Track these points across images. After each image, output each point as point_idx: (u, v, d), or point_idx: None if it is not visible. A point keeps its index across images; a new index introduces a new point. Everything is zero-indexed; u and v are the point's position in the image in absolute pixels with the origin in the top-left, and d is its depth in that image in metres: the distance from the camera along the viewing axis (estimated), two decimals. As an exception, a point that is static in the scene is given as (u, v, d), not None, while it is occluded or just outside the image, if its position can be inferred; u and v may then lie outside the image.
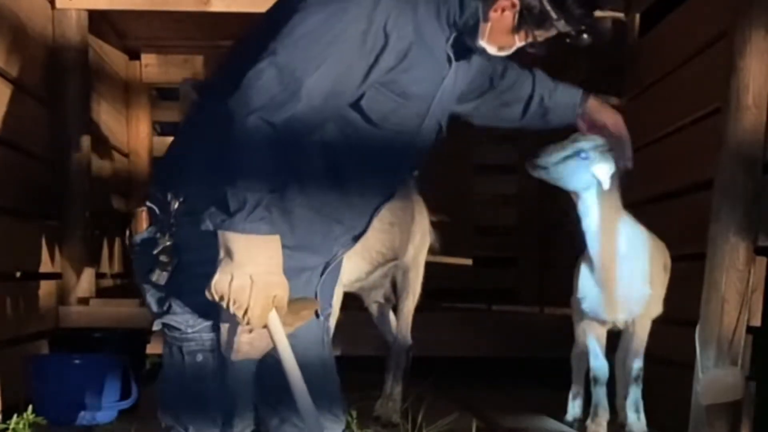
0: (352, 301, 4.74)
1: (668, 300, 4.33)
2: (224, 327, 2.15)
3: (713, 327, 3.71)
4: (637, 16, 5.34)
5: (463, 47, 2.33)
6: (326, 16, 2.09)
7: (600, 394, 4.04)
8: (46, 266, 5.14)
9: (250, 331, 2.12)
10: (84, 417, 4.40)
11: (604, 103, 2.93)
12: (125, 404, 4.48)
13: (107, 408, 4.44)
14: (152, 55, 7.23)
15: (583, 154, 3.64)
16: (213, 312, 2.16)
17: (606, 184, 3.65)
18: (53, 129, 5.29)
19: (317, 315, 2.40)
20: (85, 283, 5.49)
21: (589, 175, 3.66)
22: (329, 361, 2.47)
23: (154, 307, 2.29)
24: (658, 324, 4.35)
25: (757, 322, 3.73)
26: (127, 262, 7.24)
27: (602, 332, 4.04)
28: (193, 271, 2.17)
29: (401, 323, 4.57)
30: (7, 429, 3.91)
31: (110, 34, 6.73)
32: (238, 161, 2.05)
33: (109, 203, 6.73)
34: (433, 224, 4.82)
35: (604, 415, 4.04)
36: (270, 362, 2.22)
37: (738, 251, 3.68)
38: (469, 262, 7.34)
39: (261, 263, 2.06)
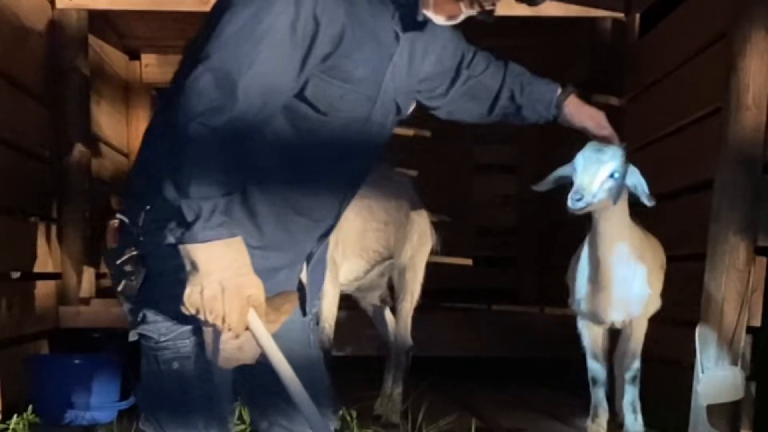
0: (352, 301, 4.75)
1: (668, 300, 4.33)
2: (208, 336, 2.13)
3: (713, 327, 3.71)
4: (637, 16, 5.34)
5: (413, 20, 2.29)
6: (253, 11, 2.07)
7: (599, 394, 4.04)
8: (46, 266, 5.14)
9: (237, 336, 2.09)
10: (84, 417, 4.40)
11: (586, 100, 2.89)
12: (125, 404, 4.48)
13: (107, 408, 4.44)
14: (152, 55, 7.23)
15: (616, 175, 3.49)
16: (186, 319, 2.14)
17: (645, 188, 3.50)
18: (53, 129, 5.29)
19: (303, 312, 2.38)
20: (85, 283, 5.49)
21: (624, 190, 3.55)
22: (317, 361, 2.45)
23: (129, 317, 2.27)
24: (658, 324, 4.35)
25: (757, 322, 3.74)
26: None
27: (599, 333, 4.04)
28: (164, 280, 2.15)
29: (400, 324, 4.57)
30: (7, 429, 3.91)
31: (110, 34, 6.73)
32: (186, 171, 2.03)
33: (109, 203, 6.72)
34: (433, 224, 4.81)
35: (603, 416, 4.04)
36: (255, 365, 2.20)
37: (738, 251, 3.68)
38: (469, 262, 7.34)
39: (227, 267, 2.04)
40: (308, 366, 2.35)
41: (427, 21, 2.30)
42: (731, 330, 3.68)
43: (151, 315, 2.21)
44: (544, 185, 3.77)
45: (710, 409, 3.69)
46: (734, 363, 3.68)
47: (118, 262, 2.18)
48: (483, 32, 7.07)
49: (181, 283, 2.06)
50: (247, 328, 2.09)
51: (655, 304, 4.10)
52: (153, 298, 2.18)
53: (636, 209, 4.63)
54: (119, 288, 2.20)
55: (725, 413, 3.70)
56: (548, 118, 2.90)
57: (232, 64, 2.05)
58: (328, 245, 2.50)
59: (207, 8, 6.00)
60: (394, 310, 4.66)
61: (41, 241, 5.08)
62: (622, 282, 3.82)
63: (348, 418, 4.08)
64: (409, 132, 7.52)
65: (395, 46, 2.29)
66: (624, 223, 3.74)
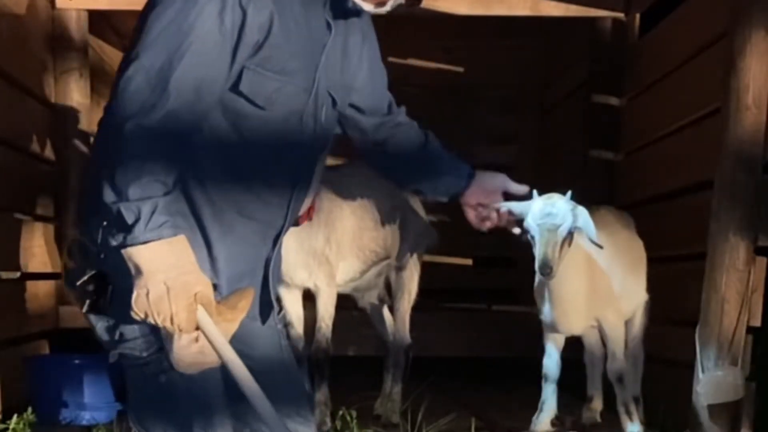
0: (351, 301, 4.74)
1: (668, 300, 4.33)
2: (167, 342, 2.09)
3: (713, 327, 3.71)
4: (637, 16, 5.34)
5: (344, 8, 2.30)
6: (179, 6, 2.06)
7: (548, 392, 4.07)
8: (45, 266, 5.13)
9: (197, 339, 2.05)
10: (83, 417, 4.40)
11: (489, 175, 2.85)
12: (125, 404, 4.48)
13: (107, 408, 4.44)
14: (152, 55, 7.23)
15: (570, 229, 3.61)
16: (159, 331, 2.10)
17: (593, 231, 3.62)
18: (53, 129, 5.29)
19: (263, 318, 2.35)
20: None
21: (583, 239, 3.69)
22: (291, 364, 2.42)
23: (106, 337, 2.24)
24: (658, 324, 4.36)
25: (757, 322, 3.74)
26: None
27: (561, 337, 4.09)
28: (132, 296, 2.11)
29: (398, 323, 4.56)
30: (7, 429, 3.91)
31: (110, 34, 6.73)
32: (123, 173, 2.00)
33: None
34: (432, 224, 4.81)
35: (548, 413, 4.07)
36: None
37: (738, 251, 3.68)
38: (469, 262, 7.35)
39: (171, 266, 2.01)
40: (283, 370, 2.33)
41: (358, 12, 2.32)
42: (731, 330, 3.68)
43: (129, 332, 2.19)
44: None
45: (710, 409, 3.69)
46: (734, 363, 3.68)
47: (79, 283, 2.14)
48: (483, 32, 7.05)
49: None
50: (198, 328, 2.05)
51: (632, 303, 4.15)
52: (128, 315, 2.12)
53: (637, 209, 4.64)
54: (84, 309, 2.16)
55: (725, 413, 3.70)
56: (453, 197, 2.82)
57: (162, 60, 2.03)
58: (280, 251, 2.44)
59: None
60: (392, 310, 4.65)
61: (41, 241, 5.08)
62: (579, 296, 3.88)
63: (348, 418, 4.08)
64: (409, 132, 7.53)
65: (327, 35, 2.28)
66: (573, 249, 3.79)
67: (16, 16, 4.76)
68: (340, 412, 4.14)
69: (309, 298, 4.26)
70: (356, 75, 2.48)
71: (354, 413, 4.09)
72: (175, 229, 2.03)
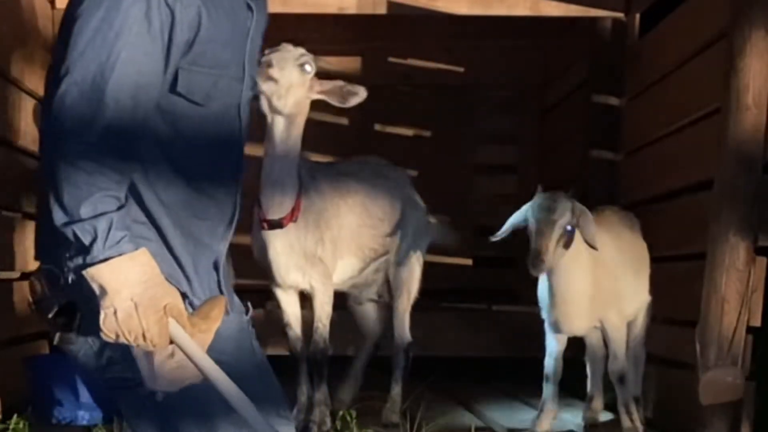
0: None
1: (668, 300, 4.33)
2: (142, 363, 2.02)
3: (713, 327, 3.71)
4: (637, 16, 5.34)
5: None
6: (103, 13, 1.99)
7: (548, 391, 4.09)
8: (46, 266, 5.13)
9: (172, 354, 1.99)
10: (84, 417, 4.40)
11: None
12: (125, 404, 4.48)
13: (106, 408, 4.44)
14: (152, 55, 7.23)
15: (569, 227, 3.73)
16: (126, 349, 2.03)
17: (595, 242, 3.74)
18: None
19: (227, 312, 2.26)
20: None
21: (579, 238, 3.77)
22: (264, 365, 2.34)
23: (92, 362, 2.15)
24: (658, 324, 4.36)
25: (757, 322, 3.74)
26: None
27: (562, 337, 4.11)
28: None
29: (397, 322, 4.54)
30: (7, 429, 3.91)
31: (110, 34, 6.73)
32: (71, 192, 1.93)
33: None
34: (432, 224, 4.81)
35: (549, 413, 4.09)
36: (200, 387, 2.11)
37: (738, 251, 3.68)
38: (469, 262, 7.33)
39: (137, 282, 1.94)
40: (257, 373, 2.27)
41: None
42: (731, 330, 3.68)
43: (117, 355, 2.10)
44: (500, 235, 4.02)
45: (710, 409, 3.69)
46: (734, 363, 3.68)
47: (50, 315, 2.07)
48: (483, 32, 7.07)
49: None
50: (172, 342, 1.99)
51: (634, 304, 4.16)
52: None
53: (637, 209, 4.64)
54: (56, 341, 2.09)
55: (725, 413, 3.70)
56: None
57: (94, 71, 1.97)
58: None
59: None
60: (390, 307, 4.65)
61: (41, 241, 5.08)
62: (582, 297, 3.91)
63: (348, 418, 4.08)
64: (409, 132, 7.55)
65: (250, 18, 2.24)
66: (576, 251, 3.85)
67: (16, 16, 4.76)
68: (340, 412, 4.14)
69: (307, 297, 4.26)
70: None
71: (354, 413, 4.09)
72: (135, 242, 1.97)
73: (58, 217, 1.95)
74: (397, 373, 4.51)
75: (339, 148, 6.28)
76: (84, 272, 1.94)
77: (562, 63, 6.61)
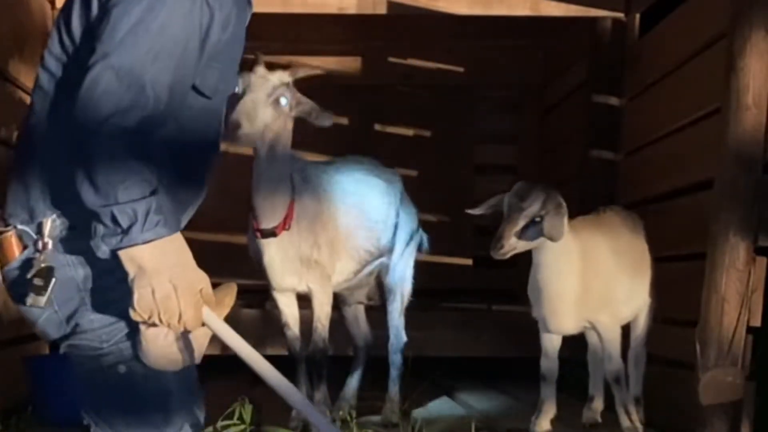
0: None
1: (668, 300, 4.33)
2: (148, 341, 2.04)
3: (713, 327, 3.71)
4: (637, 16, 5.34)
5: None
6: (146, 5, 2.00)
7: (545, 391, 4.09)
8: (45, 266, 5.13)
9: (179, 337, 2.03)
10: (84, 417, 4.39)
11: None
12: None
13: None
14: (152, 55, 7.23)
15: (537, 219, 3.76)
16: (126, 322, 2.07)
17: (560, 237, 3.76)
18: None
19: None
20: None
21: (541, 229, 3.79)
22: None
23: (54, 331, 2.18)
24: (658, 324, 4.36)
25: (757, 322, 3.73)
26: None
27: (556, 337, 4.11)
28: (95, 286, 2.10)
29: (393, 323, 4.55)
30: (7, 429, 3.91)
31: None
32: (109, 175, 1.95)
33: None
34: (432, 224, 4.81)
35: (548, 412, 4.09)
36: (112, 374, 2.14)
37: (738, 251, 3.68)
38: (469, 262, 7.33)
39: (175, 264, 1.99)
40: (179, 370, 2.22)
41: None
42: (731, 330, 3.68)
43: (86, 323, 2.13)
44: (477, 211, 4.08)
45: (710, 409, 3.69)
46: (734, 363, 3.68)
47: (30, 275, 2.09)
48: (483, 32, 7.06)
49: (112, 289, 2.02)
50: (203, 325, 2.04)
51: (632, 306, 4.19)
52: (83, 306, 2.11)
53: (637, 209, 4.63)
54: (28, 302, 2.11)
55: (725, 413, 3.70)
56: None
57: (134, 60, 1.98)
58: None
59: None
60: (380, 310, 4.64)
61: (41, 241, 5.08)
62: (569, 295, 3.93)
63: (348, 418, 4.08)
64: (409, 132, 7.55)
65: (249, 9, 2.27)
66: (565, 249, 3.86)
67: (16, 16, 4.76)
68: (340, 412, 4.14)
69: (305, 298, 4.25)
70: None
71: (354, 413, 4.09)
72: (171, 227, 2.00)
73: (91, 198, 1.97)
74: (394, 374, 4.51)
75: (339, 148, 6.28)
76: (121, 252, 1.96)
77: (562, 63, 6.61)
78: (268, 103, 3.93)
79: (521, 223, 3.73)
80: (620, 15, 5.36)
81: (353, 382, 4.63)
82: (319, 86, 7.16)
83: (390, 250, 4.48)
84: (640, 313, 4.28)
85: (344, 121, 7.24)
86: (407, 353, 4.55)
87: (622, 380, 4.09)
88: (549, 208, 3.73)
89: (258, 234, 4.04)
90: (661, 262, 4.40)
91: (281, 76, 3.98)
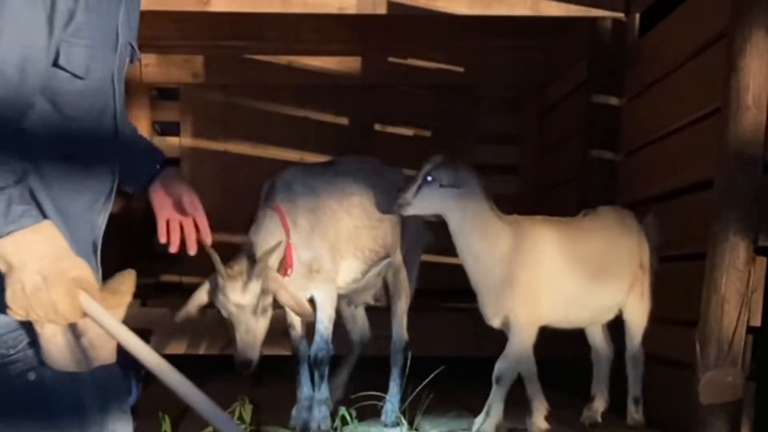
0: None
1: (668, 300, 4.33)
2: (51, 344, 1.94)
3: (713, 327, 3.71)
4: (637, 16, 5.34)
5: None
6: None
7: (497, 395, 4.08)
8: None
9: (83, 333, 1.94)
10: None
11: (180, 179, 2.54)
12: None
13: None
14: (152, 55, 7.22)
15: (429, 177, 3.92)
16: (28, 325, 1.96)
17: (462, 185, 3.92)
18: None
19: None
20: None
21: (442, 196, 3.96)
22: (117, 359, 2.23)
23: None
24: (658, 324, 4.36)
25: (757, 322, 3.74)
26: (126, 261, 7.23)
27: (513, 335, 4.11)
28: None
29: (396, 323, 4.56)
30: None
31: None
32: None
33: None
34: (432, 224, 4.80)
35: (494, 418, 4.08)
36: (56, 380, 2.04)
37: (738, 251, 3.68)
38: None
39: (43, 255, 1.89)
40: (105, 367, 2.16)
41: None
42: (731, 330, 3.68)
43: None
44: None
45: (710, 409, 3.69)
46: (734, 363, 3.68)
47: None
48: (483, 32, 7.05)
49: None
50: (86, 316, 1.92)
51: (592, 307, 4.19)
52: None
53: (637, 209, 4.63)
54: None
55: (725, 413, 3.70)
56: (141, 184, 2.52)
57: None
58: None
59: (207, 8, 5.97)
60: (389, 310, 4.64)
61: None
62: (489, 284, 4.01)
63: (348, 418, 4.08)
64: (409, 132, 7.54)
65: None
66: (490, 236, 3.96)
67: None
68: (341, 412, 4.14)
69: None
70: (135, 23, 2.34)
71: (354, 413, 4.09)
72: (36, 216, 1.92)
73: None
74: (395, 373, 4.52)
75: (339, 148, 6.28)
76: None
77: (562, 63, 6.61)
78: (260, 317, 3.90)
79: (419, 181, 3.95)
80: (620, 15, 5.36)
81: (342, 377, 4.65)
82: (319, 86, 7.22)
83: (396, 249, 4.48)
84: (630, 313, 4.27)
85: (344, 121, 7.24)
86: (407, 353, 4.55)
87: (502, 381, 4.06)
88: (454, 175, 3.91)
89: None
90: (661, 262, 4.40)
91: (254, 289, 3.86)
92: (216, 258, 3.77)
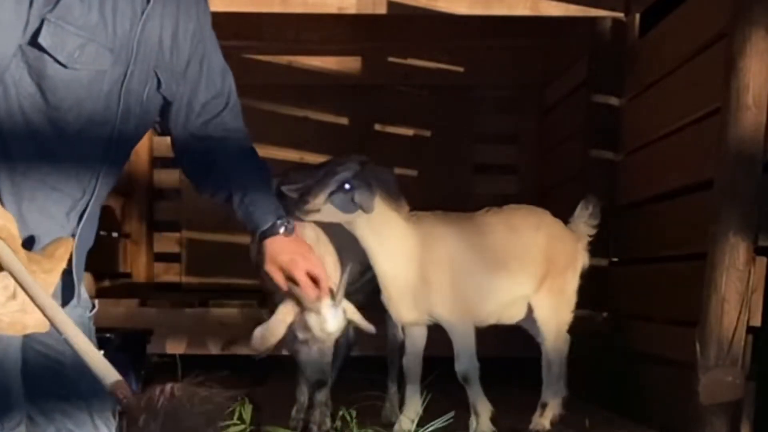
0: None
1: (668, 300, 4.33)
2: None
3: (713, 327, 3.71)
4: (637, 16, 5.34)
5: None
6: None
7: (410, 391, 4.11)
8: (46, 266, 5.12)
9: (14, 295, 1.88)
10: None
11: (298, 238, 2.59)
12: (125, 404, 4.47)
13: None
14: (152, 55, 7.23)
15: (347, 185, 3.72)
16: None
17: (370, 210, 3.74)
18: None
19: (71, 297, 2.21)
20: (85, 283, 5.48)
21: (355, 204, 3.75)
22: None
23: None
24: (658, 324, 4.36)
25: (757, 322, 3.74)
26: (126, 262, 7.24)
27: (413, 331, 4.12)
28: None
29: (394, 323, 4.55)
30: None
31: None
32: None
33: (109, 203, 6.73)
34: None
35: (483, 412, 4.09)
36: (38, 364, 2.07)
37: (738, 251, 3.68)
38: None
39: None
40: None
41: None
42: (731, 330, 3.68)
43: None
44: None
45: (710, 409, 3.69)
46: (734, 363, 3.68)
47: None
48: (483, 32, 7.05)
49: None
50: (3, 269, 1.86)
51: (496, 302, 4.15)
52: None
53: (637, 209, 4.64)
54: None
55: (725, 413, 3.70)
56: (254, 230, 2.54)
57: None
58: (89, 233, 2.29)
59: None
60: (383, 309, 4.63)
61: (41, 241, 5.07)
62: (401, 283, 3.92)
63: (348, 418, 4.08)
64: (409, 132, 7.54)
65: (145, 3, 2.18)
66: (397, 236, 3.87)
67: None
68: (341, 412, 4.14)
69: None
70: (188, 64, 2.35)
71: (354, 413, 4.09)
72: None
73: None
74: (393, 373, 4.52)
75: (339, 148, 6.28)
76: None
77: (562, 63, 6.61)
78: None
79: (331, 187, 3.70)
80: (620, 15, 5.36)
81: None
82: (319, 86, 7.22)
83: None
84: (539, 311, 4.20)
85: (344, 121, 7.24)
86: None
87: (470, 380, 4.04)
88: (361, 181, 3.72)
89: None
90: (661, 262, 4.40)
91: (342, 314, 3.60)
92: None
